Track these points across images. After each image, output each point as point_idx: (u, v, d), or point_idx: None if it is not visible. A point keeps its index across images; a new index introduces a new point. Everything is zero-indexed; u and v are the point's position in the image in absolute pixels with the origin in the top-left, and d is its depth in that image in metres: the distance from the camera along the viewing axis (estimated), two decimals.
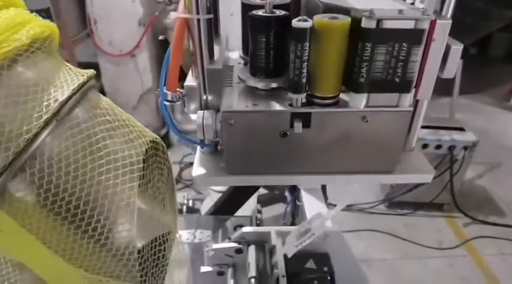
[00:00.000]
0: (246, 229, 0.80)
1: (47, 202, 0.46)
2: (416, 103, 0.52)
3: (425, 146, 2.39)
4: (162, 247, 0.65)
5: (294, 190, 1.15)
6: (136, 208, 0.50)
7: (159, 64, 3.08)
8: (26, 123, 0.44)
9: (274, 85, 0.49)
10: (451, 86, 2.64)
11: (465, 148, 2.37)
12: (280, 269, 0.70)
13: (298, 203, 1.00)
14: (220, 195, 1.43)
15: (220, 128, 0.47)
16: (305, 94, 0.46)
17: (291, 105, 0.47)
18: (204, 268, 0.85)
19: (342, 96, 0.49)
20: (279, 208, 1.39)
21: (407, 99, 0.47)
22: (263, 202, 1.35)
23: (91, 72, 0.53)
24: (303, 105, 0.47)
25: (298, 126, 0.45)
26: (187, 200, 1.53)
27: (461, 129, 2.45)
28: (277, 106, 0.46)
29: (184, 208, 1.49)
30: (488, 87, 4.33)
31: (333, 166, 0.50)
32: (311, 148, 0.48)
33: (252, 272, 0.74)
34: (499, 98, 4.11)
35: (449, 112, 2.70)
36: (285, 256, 0.76)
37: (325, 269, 0.79)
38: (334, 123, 0.47)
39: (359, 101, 0.46)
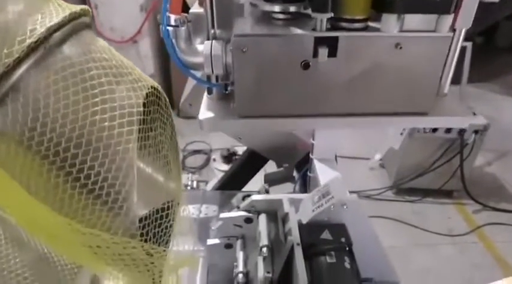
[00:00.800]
0: (256, 197, 0.74)
1: (31, 142, 0.40)
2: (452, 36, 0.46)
3: (434, 130, 2.33)
4: (165, 206, 0.59)
5: (304, 162, 1.09)
6: (135, 156, 0.44)
7: (160, 50, 3.01)
8: (7, 46, 0.38)
9: (293, 9, 0.42)
10: (459, 74, 2.57)
11: (476, 132, 2.30)
12: (295, 236, 0.64)
13: (309, 174, 0.94)
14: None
15: (231, 59, 0.41)
16: (331, 15, 0.40)
17: (314, 29, 0.40)
18: (211, 241, 0.79)
19: (372, 24, 0.43)
20: (286, 188, 1.34)
21: (447, 22, 0.41)
22: (270, 181, 1.29)
23: (85, 7, 0.47)
24: (328, 30, 0.40)
25: (323, 53, 0.39)
26: (192, 181, 1.48)
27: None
28: (298, 31, 0.40)
29: (188, 189, 1.44)
30: (496, 75, 4.26)
31: (361, 105, 0.44)
32: (336, 83, 0.42)
33: (264, 240, 0.68)
34: (507, 87, 4.04)
35: (458, 94, 2.62)
36: (299, 225, 0.70)
37: (343, 240, 0.73)
38: (364, 51, 0.41)
39: (392, 24, 0.40)
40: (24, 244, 0.80)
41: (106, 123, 0.42)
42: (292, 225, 0.66)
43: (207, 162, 2.72)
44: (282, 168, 1.35)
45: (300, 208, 0.64)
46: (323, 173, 0.82)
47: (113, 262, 0.45)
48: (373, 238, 0.78)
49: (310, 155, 0.89)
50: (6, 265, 0.74)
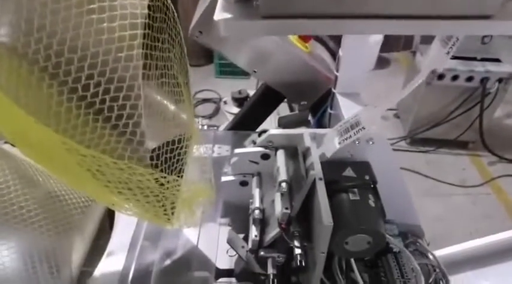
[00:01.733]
0: (274, 131, 0.68)
1: (17, 44, 0.33)
2: None
3: (455, 78, 2.21)
4: (178, 136, 0.53)
5: (322, 104, 1.02)
6: (140, 65, 0.37)
7: None
8: None
9: None
10: None
11: (500, 80, 2.17)
12: (317, 171, 0.59)
13: (330, 111, 0.87)
14: None
15: None
16: None
17: None
18: (226, 178, 0.75)
19: None
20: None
21: None
22: (284, 124, 1.23)
23: None
24: None
25: None
26: (202, 125, 1.42)
27: (496, 60, 2.24)
28: None
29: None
30: None
31: (408, 4, 0.36)
32: None
33: (283, 176, 0.63)
34: None
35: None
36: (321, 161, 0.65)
37: (367, 177, 0.67)
38: None
39: None
40: (33, 182, 0.77)
41: (105, 24, 0.35)
42: (314, 159, 0.61)
43: (216, 110, 2.66)
44: (296, 112, 1.28)
45: (324, 141, 0.58)
46: (347, 108, 0.75)
47: (118, 191, 0.40)
48: (398, 178, 0.73)
49: (333, 89, 0.82)
50: (15, 200, 0.71)
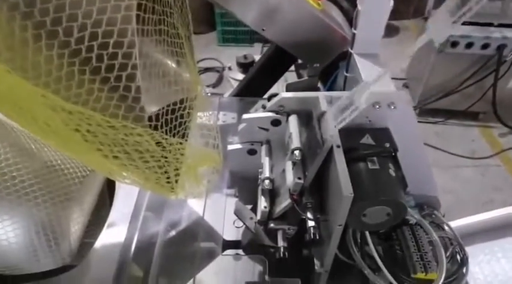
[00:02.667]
0: (286, 94, 0.62)
1: None
2: None
3: (469, 45, 2.10)
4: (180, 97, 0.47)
5: (334, 68, 0.95)
6: (134, 4, 0.30)
7: None
8: None
9: None
10: None
11: None
12: (334, 137, 0.54)
13: (346, 74, 0.80)
14: None
15: None
16: None
17: None
18: (232, 146, 0.70)
19: None
20: None
21: None
22: (292, 91, 1.17)
23: None
24: None
25: None
26: (206, 93, 1.35)
27: None
28: None
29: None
30: None
31: None
32: None
33: (296, 143, 0.57)
34: None
35: (501, 6, 2.33)
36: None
37: (387, 145, 0.62)
38: None
39: None
40: (26, 150, 0.72)
41: None
42: (331, 126, 0.55)
43: (220, 80, 2.57)
44: (305, 78, 1.21)
45: (338, 104, 0.52)
46: (366, 70, 0.68)
47: (114, 155, 0.35)
48: (419, 145, 0.67)
49: (350, 49, 0.75)
50: (7, 170, 0.67)
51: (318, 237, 0.57)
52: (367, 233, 0.62)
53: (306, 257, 0.68)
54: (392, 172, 0.59)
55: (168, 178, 0.42)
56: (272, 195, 0.66)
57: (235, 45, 3.01)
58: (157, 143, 0.36)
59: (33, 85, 0.29)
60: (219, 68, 2.70)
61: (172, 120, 0.40)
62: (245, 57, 1.34)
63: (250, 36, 2.99)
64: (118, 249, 0.66)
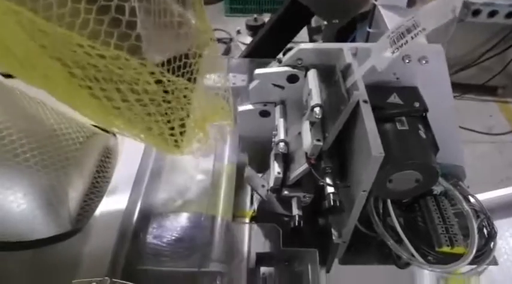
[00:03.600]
0: (305, 45, 0.55)
1: None
2: None
3: (492, 14, 1.98)
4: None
5: (351, 29, 0.87)
6: None
7: None
8: None
9: None
10: None
11: None
12: (362, 91, 0.47)
13: (369, 30, 0.72)
14: None
15: None
16: None
17: None
18: (243, 107, 0.63)
19: None
20: None
21: None
22: None
23: None
24: None
25: None
26: None
27: None
28: None
29: None
30: None
31: None
32: None
33: (316, 99, 0.51)
34: None
35: None
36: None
37: (416, 104, 0.55)
38: None
39: None
40: (30, 117, 0.69)
41: None
42: (358, 79, 0.49)
43: (227, 51, 2.48)
44: (319, 41, 1.13)
45: (373, 54, 0.46)
46: (394, 24, 0.60)
47: (105, 95, 0.29)
48: (450, 109, 0.60)
49: (373, 1, 0.67)
50: (6, 132, 0.64)
51: (338, 204, 0.51)
52: (389, 202, 0.57)
53: (323, 227, 0.62)
54: (422, 133, 0.53)
55: (172, 129, 0.36)
56: (286, 161, 0.60)
57: (243, 15, 2.89)
58: (158, 82, 0.30)
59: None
60: (227, 39, 2.60)
61: (176, 59, 0.33)
62: (255, 19, 1.25)
63: (259, 6, 2.86)
64: (119, 217, 0.62)
